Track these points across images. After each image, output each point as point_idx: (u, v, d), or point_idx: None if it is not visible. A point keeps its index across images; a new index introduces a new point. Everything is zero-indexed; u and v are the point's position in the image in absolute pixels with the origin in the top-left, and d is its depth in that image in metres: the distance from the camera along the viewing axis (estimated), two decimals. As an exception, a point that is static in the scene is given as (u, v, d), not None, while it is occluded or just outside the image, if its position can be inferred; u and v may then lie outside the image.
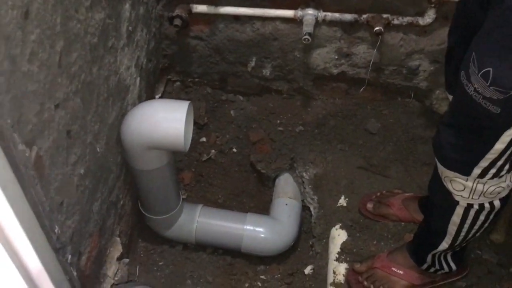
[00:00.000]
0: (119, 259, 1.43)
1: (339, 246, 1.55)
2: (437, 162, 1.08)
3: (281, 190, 1.77)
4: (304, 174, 1.76)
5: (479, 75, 0.86)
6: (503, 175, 1.02)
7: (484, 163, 0.98)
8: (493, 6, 0.87)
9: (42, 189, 0.94)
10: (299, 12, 1.59)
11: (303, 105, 1.87)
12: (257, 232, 1.64)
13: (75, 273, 1.14)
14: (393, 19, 1.56)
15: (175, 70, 1.85)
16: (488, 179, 1.01)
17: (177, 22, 1.61)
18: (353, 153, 1.76)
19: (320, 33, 1.65)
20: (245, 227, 1.64)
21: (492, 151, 0.95)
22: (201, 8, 1.64)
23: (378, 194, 1.62)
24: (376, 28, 1.54)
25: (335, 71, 1.75)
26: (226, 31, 1.70)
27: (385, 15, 1.56)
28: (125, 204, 1.54)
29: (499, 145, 0.94)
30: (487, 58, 0.86)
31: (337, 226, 1.60)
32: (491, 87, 0.85)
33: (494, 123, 0.90)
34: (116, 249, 1.43)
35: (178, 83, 1.90)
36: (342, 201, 1.66)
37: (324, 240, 1.62)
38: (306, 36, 1.54)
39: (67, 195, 1.08)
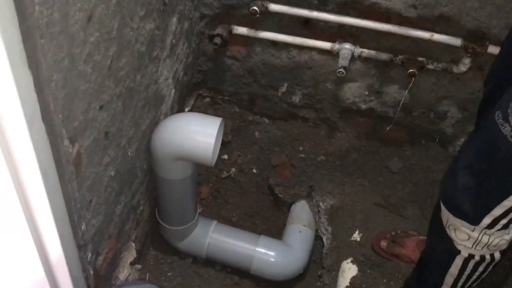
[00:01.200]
0: (132, 264, 1.44)
1: (348, 280, 1.55)
2: (444, 209, 1.05)
3: (296, 216, 1.78)
4: (321, 203, 1.77)
5: None
6: (510, 227, 1.00)
7: (497, 211, 0.96)
8: None
9: (77, 185, 0.97)
10: (337, 46, 1.63)
11: (328, 135, 1.90)
12: (268, 255, 1.65)
13: (91, 272, 1.15)
14: (427, 63, 1.59)
15: (207, 86, 1.89)
16: (496, 231, 0.99)
17: (217, 40, 1.65)
18: (372, 189, 1.77)
19: (354, 68, 1.68)
20: (257, 249, 1.65)
21: (508, 199, 0.93)
22: (241, 30, 1.68)
23: (393, 233, 1.62)
24: (410, 70, 1.57)
25: (363, 106, 1.78)
26: (262, 55, 1.74)
27: (420, 58, 1.59)
28: (144, 210, 1.56)
29: None
30: None
31: (349, 260, 1.60)
32: None
33: None
34: (130, 254, 1.44)
35: (208, 99, 1.93)
36: (356, 236, 1.66)
37: (333, 273, 1.62)
38: (341, 69, 1.57)
39: (96, 194, 1.10)
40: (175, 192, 1.49)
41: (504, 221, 0.97)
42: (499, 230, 0.99)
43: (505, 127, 0.88)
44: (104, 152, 1.09)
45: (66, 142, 0.88)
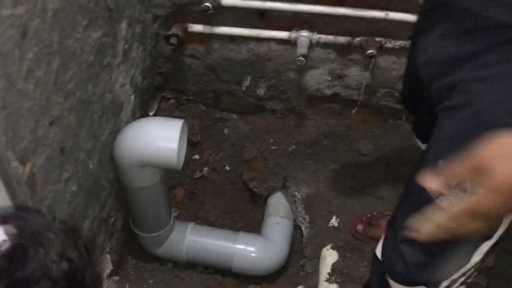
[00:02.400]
0: (109, 276, 1.42)
1: (329, 267, 1.55)
2: (394, 283, 0.93)
3: (273, 209, 1.78)
4: (296, 193, 1.77)
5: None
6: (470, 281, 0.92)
7: (456, 276, 0.88)
8: (458, 95, 0.74)
9: (34, 206, 0.94)
10: (294, 34, 1.62)
11: (297, 124, 1.89)
12: (248, 251, 1.64)
13: (64, 291, 1.13)
14: (385, 43, 1.59)
15: (169, 87, 1.87)
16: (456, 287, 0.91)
17: (173, 40, 1.63)
18: (345, 174, 1.77)
19: (314, 54, 1.67)
20: (236, 246, 1.64)
21: (468, 265, 0.85)
22: (197, 28, 1.66)
23: (369, 215, 1.62)
24: (369, 51, 1.57)
25: (328, 92, 1.78)
26: (221, 51, 1.72)
27: (378, 39, 1.59)
28: (116, 221, 1.53)
29: (476, 257, 0.84)
30: None
31: (328, 247, 1.60)
32: None
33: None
34: (107, 267, 1.42)
35: (172, 100, 1.91)
36: (334, 221, 1.67)
37: (315, 260, 1.63)
38: (300, 58, 1.56)
39: (59, 212, 1.08)
40: (145, 199, 1.47)
41: (462, 280, 0.90)
42: (459, 286, 0.91)
43: (441, 199, 0.73)
44: (62, 168, 1.07)
45: (15, 163, 0.86)
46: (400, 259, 0.89)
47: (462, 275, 0.88)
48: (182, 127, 1.33)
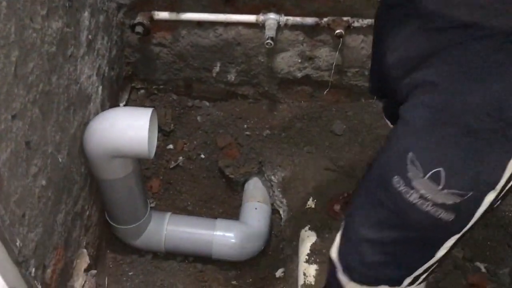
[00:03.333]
0: (86, 270, 1.41)
1: (308, 248, 1.57)
2: (353, 283, 0.90)
3: (250, 194, 1.79)
4: (273, 177, 1.78)
5: (426, 178, 0.72)
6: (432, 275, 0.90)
7: (419, 272, 0.86)
8: (425, 91, 0.74)
9: (1, 202, 0.93)
10: (261, 17, 1.61)
11: (270, 109, 1.89)
12: (227, 237, 1.65)
13: (39, 287, 1.12)
14: (353, 22, 1.60)
15: (139, 77, 1.85)
16: (418, 283, 0.89)
17: (139, 29, 1.61)
18: (320, 155, 1.78)
19: (283, 37, 1.67)
20: (214, 233, 1.64)
21: (432, 260, 0.83)
22: (163, 15, 1.64)
23: (345, 195, 1.64)
24: (337, 31, 1.57)
25: (299, 74, 1.78)
26: (189, 37, 1.71)
27: (345, 18, 1.60)
28: (92, 214, 1.52)
29: (441, 252, 0.81)
30: (434, 156, 0.72)
31: (306, 228, 1.62)
32: (444, 190, 0.72)
33: (443, 231, 0.78)
34: (83, 261, 1.41)
35: (142, 90, 1.89)
36: (311, 203, 1.68)
37: (294, 243, 1.64)
38: (269, 41, 1.56)
39: (29, 207, 1.06)
40: (119, 191, 1.46)
41: (425, 275, 0.88)
42: (421, 282, 0.90)
43: (410, 194, 0.74)
44: (29, 162, 1.05)
45: (-23, 159, 0.84)
46: (359, 258, 0.86)
47: (425, 270, 0.85)
48: (152, 115, 1.32)
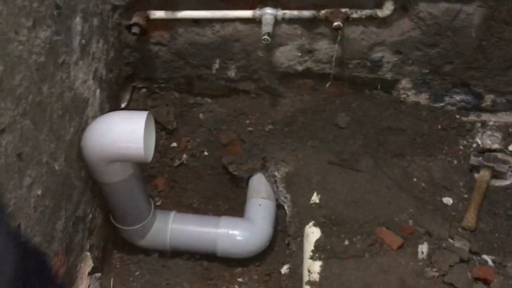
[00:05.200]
0: (90, 273, 1.43)
1: (313, 244, 1.56)
2: None
3: (254, 190, 1.78)
4: (276, 173, 1.77)
5: None
6: None
7: None
8: None
9: (-8, 216, 0.94)
10: (258, 12, 1.59)
11: (272, 103, 1.88)
12: (231, 235, 1.65)
13: (40, 294, 1.14)
14: (351, 13, 1.57)
15: (139, 77, 1.85)
16: None
17: (135, 30, 1.60)
18: (324, 149, 1.76)
19: (281, 31, 1.65)
20: (219, 231, 1.65)
21: None
22: (159, 14, 1.63)
23: None
24: (335, 24, 1.54)
25: (299, 68, 1.75)
26: (186, 35, 1.69)
27: (343, 10, 1.56)
28: (95, 217, 1.54)
29: None
30: None
31: (311, 224, 1.60)
32: None
33: None
34: (87, 264, 1.43)
35: (144, 90, 1.89)
36: (315, 198, 1.67)
37: (299, 238, 1.63)
38: (265, 36, 1.54)
39: (24, 217, 1.08)
40: (121, 194, 1.47)
41: None
42: None
43: None
44: (22, 174, 1.06)
45: (-36, 177, 0.85)
46: None
47: None
48: (147, 118, 1.32)
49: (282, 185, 1.74)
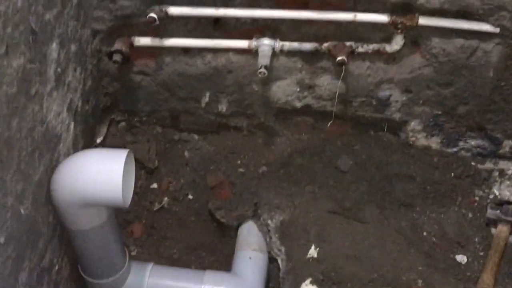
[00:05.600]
0: (54, 334, 1.40)
1: (309, 305, 1.55)
2: None
3: (244, 241, 1.77)
4: (270, 221, 1.77)
5: None
6: None
7: None
8: None
9: None
10: (254, 43, 1.62)
11: (266, 142, 1.90)
12: (216, 293, 1.64)
13: None
14: (357, 47, 1.61)
15: (119, 109, 1.86)
16: None
17: (117, 57, 1.62)
18: (323, 195, 1.78)
19: (279, 64, 1.68)
20: (202, 287, 1.63)
21: None
22: (144, 41, 1.66)
23: None
24: (339, 58, 1.57)
25: (298, 104, 1.78)
26: (174, 65, 1.72)
27: (348, 43, 1.60)
28: (62, 268, 1.52)
29: None
30: None
31: (307, 281, 1.61)
32: None
33: None
34: (50, 323, 1.40)
35: (123, 123, 1.90)
36: (313, 252, 1.67)
37: (294, 298, 1.63)
38: (262, 69, 1.56)
39: (-17, 270, 1.06)
40: (93, 242, 1.45)
41: None
42: None
43: None
44: (-16, 219, 1.05)
45: None
46: None
47: None
48: (127, 158, 1.32)
49: (276, 235, 1.74)
